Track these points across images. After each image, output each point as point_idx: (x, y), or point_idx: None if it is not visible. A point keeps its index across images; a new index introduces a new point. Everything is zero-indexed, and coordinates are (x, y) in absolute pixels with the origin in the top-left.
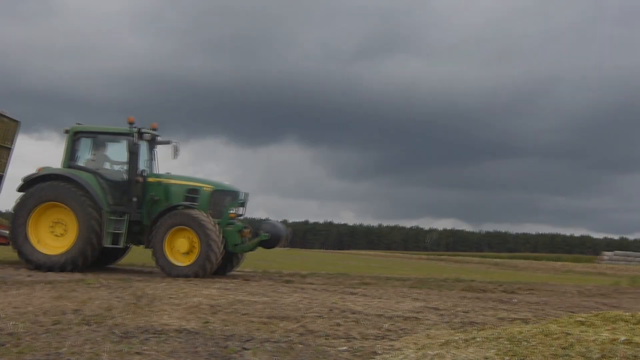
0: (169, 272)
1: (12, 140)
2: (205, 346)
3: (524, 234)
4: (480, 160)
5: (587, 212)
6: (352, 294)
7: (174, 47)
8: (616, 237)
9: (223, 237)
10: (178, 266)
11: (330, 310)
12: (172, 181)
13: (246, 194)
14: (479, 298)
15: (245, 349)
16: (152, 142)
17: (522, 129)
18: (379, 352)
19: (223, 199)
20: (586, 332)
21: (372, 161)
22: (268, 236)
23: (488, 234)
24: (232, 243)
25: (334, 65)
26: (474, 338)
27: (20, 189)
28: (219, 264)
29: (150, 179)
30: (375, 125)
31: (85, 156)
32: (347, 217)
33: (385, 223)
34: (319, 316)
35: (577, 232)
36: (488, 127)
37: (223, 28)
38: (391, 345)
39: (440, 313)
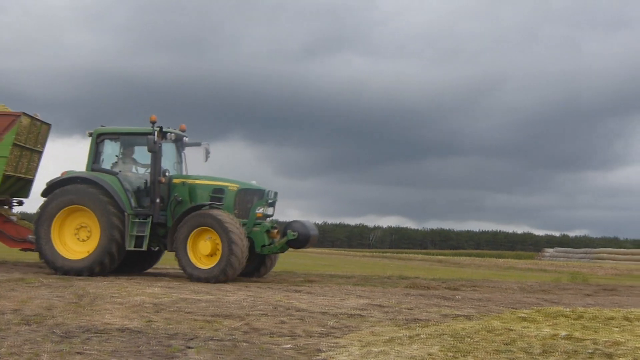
0: (191, 275)
1: (43, 144)
2: (148, 345)
3: (468, 232)
4: (425, 159)
5: (529, 210)
6: (296, 291)
7: (120, 43)
8: (557, 234)
9: (249, 238)
10: (200, 269)
11: (275, 308)
12: (197, 181)
13: (275, 193)
14: (422, 295)
15: (189, 347)
16: (179, 143)
17: (467, 127)
18: (324, 349)
19: (249, 198)
20: (528, 327)
21: (318, 159)
22: (296, 235)
23: (432, 231)
24: (259, 244)
25: (281, 63)
26: (417, 335)
27: (43, 194)
28: (243, 267)
29: (175, 180)
30: (322, 123)
31: (109, 158)
32: (293, 214)
33: (330, 221)
34: (264, 314)
35: (520, 229)
36: (434, 125)
37: (170, 25)
38: (336, 343)
39: (384, 310)
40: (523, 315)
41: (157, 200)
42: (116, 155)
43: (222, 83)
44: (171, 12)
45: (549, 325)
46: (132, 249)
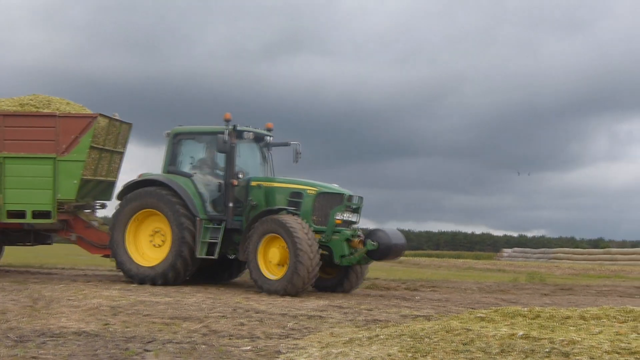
0: (261, 286)
1: (124, 145)
2: (105, 349)
3: (427, 232)
4: (385, 160)
5: (488, 210)
6: (256, 293)
7: (76, 41)
8: (515, 234)
9: (327, 247)
10: (270, 280)
11: (234, 310)
12: (274, 184)
13: (359, 198)
14: (382, 296)
15: (146, 350)
16: (263, 143)
17: (426, 128)
18: (283, 351)
19: (329, 203)
20: (486, 327)
21: (277, 160)
22: (376, 246)
23: None
24: (338, 254)
25: (239, 63)
26: (377, 335)
27: (118, 197)
28: (315, 276)
29: (252, 183)
30: (281, 124)
31: (186, 160)
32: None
33: None
34: (223, 316)
35: (478, 230)
36: (393, 126)
37: (126, 24)
38: (295, 344)
39: (344, 311)
40: (481, 315)
41: (231, 205)
42: (191, 157)
43: (179, 83)
44: (128, 11)
45: (507, 325)
46: (203, 256)
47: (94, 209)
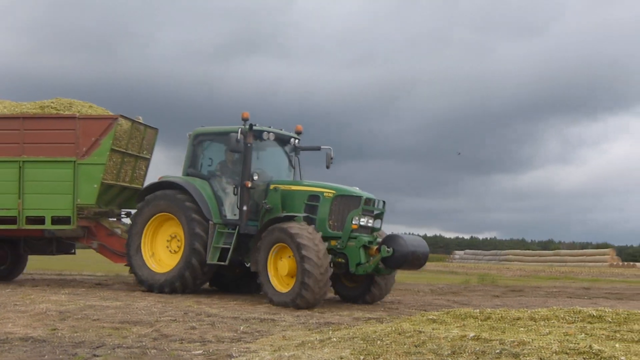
0: (272, 299)
1: (150, 150)
2: (52, 354)
3: None
4: (339, 162)
5: (440, 213)
6: (207, 296)
7: (25, 42)
8: (467, 236)
9: (343, 254)
10: (280, 293)
11: (185, 313)
12: (291, 187)
13: (382, 202)
14: (334, 298)
15: (95, 355)
16: (290, 147)
17: (380, 131)
18: (235, 354)
19: (346, 206)
20: (437, 329)
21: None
22: (390, 252)
23: None
24: (354, 262)
25: (193, 64)
26: (329, 338)
27: (137, 200)
28: (326, 288)
29: (271, 186)
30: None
31: (206, 161)
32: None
33: None
34: (174, 320)
35: (430, 232)
36: (348, 129)
37: (78, 25)
38: (247, 348)
39: (296, 314)
40: (433, 317)
41: (245, 208)
42: (209, 158)
43: (132, 85)
44: (79, 11)
45: (458, 327)
46: (214, 262)
47: (119, 218)
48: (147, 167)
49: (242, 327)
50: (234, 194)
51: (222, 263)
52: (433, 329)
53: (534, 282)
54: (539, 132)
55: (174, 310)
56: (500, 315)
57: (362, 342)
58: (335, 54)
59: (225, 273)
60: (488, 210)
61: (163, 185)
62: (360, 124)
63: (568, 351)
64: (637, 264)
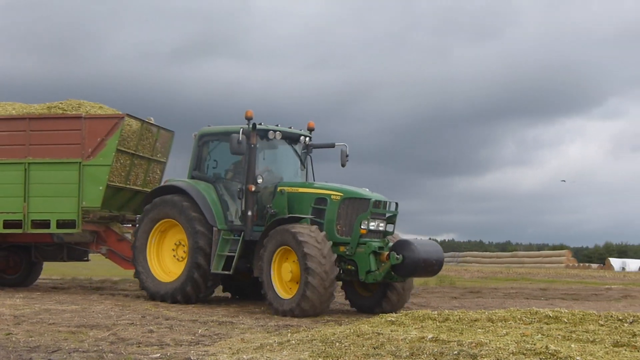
0: (275, 307)
1: (166, 154)
2: (6, 359)
3: None
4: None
5: (400, 214)
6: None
7: None
8: (425, 238)
9: (352, 261)
10: (282, 299)
11: (143, 317)
12: (298, 189)
13: (393, 204)
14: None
15: None
16: (301, 145)
17: (339, 133)
18: (193, 358)
19: (354, 209)
20: (396, 331)
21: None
22: (400, 259)
23: None
24: (363, 269)
25: (151, 66)
26: (288, 341)
27: (142, 205)
28: (329, 297)
29: (279, 188)
30: (194, 128)
31: (211, 163)
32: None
33: None
34: (131, 323)
35: None
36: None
37: (33, 24)
38: (205, 351)
39: (255, 317)
40: (391, 319)
41: (249, 213)
42: (214, 160)
43: (88, 86)
44: (34, 12)
45: (417, 328)
46: (218, 272)
47: (134, 224)
48: (162, 170)
49: (200, 330)
50: (239, 198)
51: (227, 272)
52: (392, 331)
53: (492, 283)
54: (497, 135)
55: (131, 314)
56: (458, 316)
57: (320, 344)
58: (294, 56)
59: (239, 278)
60: (446, 212)
61: (168, 189)
62: (320, 127)
63: (525, 352)
64: (593, 265)
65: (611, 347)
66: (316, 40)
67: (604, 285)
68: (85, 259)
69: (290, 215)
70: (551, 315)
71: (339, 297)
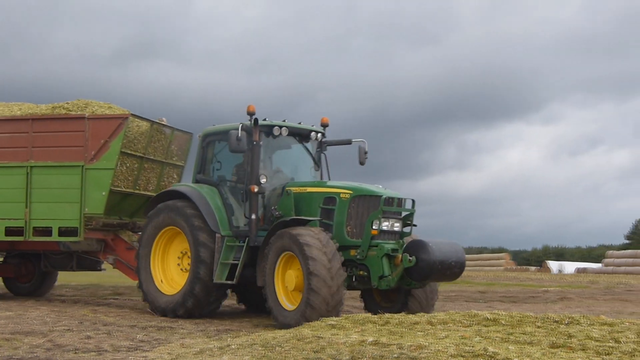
0: (277, 318)
1: (184, 157)
2: None
3: None
4: None
5: None
6: (104, 305)
7: None
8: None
9: (363, 266)
10: (285, 311)
11: (81, 322)
12: (306, 189)
13: (405, 201)
14: (233, 305)
15: None
16: (314, 142)
17: None
18: None
19: (365, 209)
20: (337, 335)
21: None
22: (413, 262)
23: None
24: (375, 274)
25: (90, 68)
26: (228, 345)
27: (145, 211)
28: (337, 306)
29: (287, 188)
30: None
31: (216, 165)
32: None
33: None
34: (68, 329)
35: None
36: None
37: None
38: (144, 357)
39: (195, 321)
40: (332, 322)
41: (253, 217)
42: (218, 161)
43: (26, 88)
44: None
45: (357, 332)
46: (222, 282)
47: None
48: (180, 175)
49: (139, 336)
50: (243, 200)
51: (230, 282)
52: (332, 335)
53: None
54: (438, 139)
55: (68, 320)
56: (398, 319)
57: (261, 348)
58: (234, 59)
59: (251, 288)
60: None
61: (172, 194)
62: None
63: (464, 354)
64: (531, 267)
65: (548, 349)
66: (256, 43)
67: (542, 287)
68: (99, 268)
69: (294, 217)
70: (490, 318)
71: (355, 307)
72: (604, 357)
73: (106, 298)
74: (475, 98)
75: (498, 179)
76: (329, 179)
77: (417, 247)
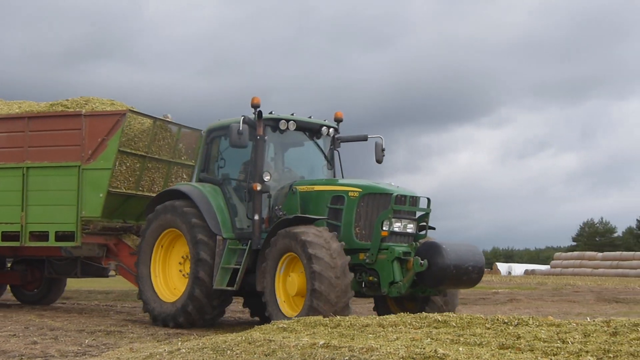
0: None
1: (194, 156)
2: None
3: None
4: None
5: None
6: (52, 309)
7: None
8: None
9: (373, 271)
10: (286, 318)
11: (27, 327)
12: (314, 187)
13: (418, 199)
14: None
15: None
16: (325, 139)
17: None
18: None
19: (375, 208)
20: (288, 337)
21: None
22: (424, 266)
23: None
24: (385, 280)
25: (40, 68)
26: (178, 349)
27: (145, 213)
28: (345, 309)
29: (298, 187)
30: None
31: (220, 162)
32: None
33: None
34: (13, 335)
35: None
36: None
37: None
38: None
39: (145, 326)
40: (283, 325)
41: (256, 217)
42: (222, 158)
43: None
44: None
45: (308, 335)
46: (223, 287)
47: None
48: (191, 175)
49: (87, 341)
50: (247, 200)
51: (231, 288)
52: (283, 338)
53: None
54: (389, 142)
55: (13, 325)
56: (350, 322)
57: (211, 352)
58: (188, 60)
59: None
60: None
61: (173, 194)
62: None
63: (415, 356)
64: None
65: (497, 350)
66: (210, 45)
67: (491, 289)
68: (107, 274)
69: (297, 215)
70: (440, 320)
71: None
72: (552, 357)
73: (54, 302)
74: (426, 101)
75: (448, 182)
76: (343, 177)
77: (429, 249)
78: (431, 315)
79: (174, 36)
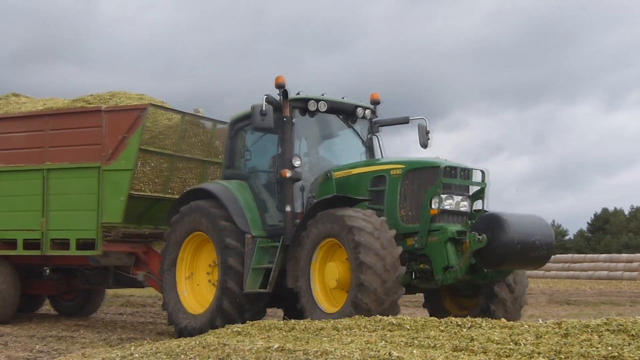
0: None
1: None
2: None
3: None
4: None
5: None
6: None
7: None
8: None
9: (424, 256)
10: (324, 313)
11: None
12: (350, 172)
13: (472, 172)
14: (137, 313)
15: None
16: (362, 122)
17: None
18: None
19: (422, 185)
20: (242, 341)
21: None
22: (483, 242)
23: None
24: (439, 266)
25: None
26: (131, 354)
27: (168, 216)
28: (390, 306)
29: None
30: None
31: (247, 155)
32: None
33: None
34: None
35: None
36: None
37: None
38: None
39: (97, 330)
40: (238, 329)
41: (288, 209)
42: (247, 150)
43: None
44: None
45: (263, 338)
46: (253, 290)
47: None
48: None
49: (38, 346)
50: (278, 192)
51: (264, 290)
52: (238, 342)
53: None
54: None
55: None
56: (304, 325)
57: (165, 357)
58: (140, 63)
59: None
60: None
61: (199, 193)
62: None
63: (369, 359)
64: None
65: (451, 352)
66: (162, 47)
67: None
68: (143, 285)
69: (337, 195)
70: (394, 323)
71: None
72: (505, 359)
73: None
74: (380, 105)
75: None
76: None
77: (488, 223)
78: (386, 318)
79: (127, 39)
